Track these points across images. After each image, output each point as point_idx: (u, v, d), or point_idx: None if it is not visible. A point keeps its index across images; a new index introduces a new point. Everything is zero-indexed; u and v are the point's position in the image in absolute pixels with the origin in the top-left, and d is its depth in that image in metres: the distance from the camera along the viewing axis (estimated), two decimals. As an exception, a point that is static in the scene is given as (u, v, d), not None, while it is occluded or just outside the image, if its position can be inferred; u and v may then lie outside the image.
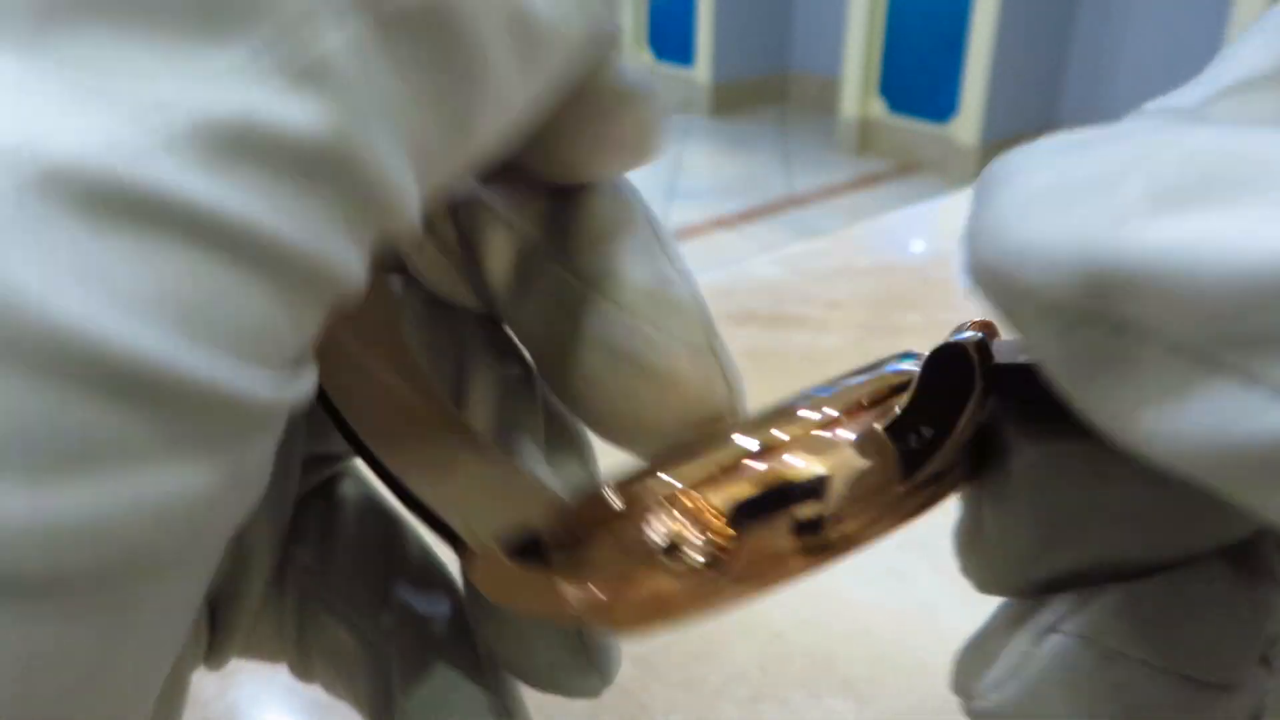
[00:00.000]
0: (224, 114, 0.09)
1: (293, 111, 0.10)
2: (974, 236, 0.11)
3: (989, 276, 0.11)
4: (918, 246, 0.59)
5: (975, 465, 0.14)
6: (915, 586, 0.32)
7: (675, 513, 0.13)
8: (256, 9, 0.10)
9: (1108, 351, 0.10)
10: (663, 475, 0.14)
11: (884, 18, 2.80)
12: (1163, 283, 0.09)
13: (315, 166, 0.10)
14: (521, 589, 0.14)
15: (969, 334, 0.14)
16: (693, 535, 0.13)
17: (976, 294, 0.11)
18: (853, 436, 0.13)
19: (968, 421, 0.14)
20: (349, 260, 0.10)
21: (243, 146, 0.09)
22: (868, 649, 0.30)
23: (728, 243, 2.42)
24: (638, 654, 0.29)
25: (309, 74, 0.10)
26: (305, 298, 0.10)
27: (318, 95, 0.10)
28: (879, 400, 0.14)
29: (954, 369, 0.14)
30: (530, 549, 0.14)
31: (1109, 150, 0.10)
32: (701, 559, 0.13)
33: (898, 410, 0.14)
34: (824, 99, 3.05)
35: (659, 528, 0.13)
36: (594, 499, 0.14)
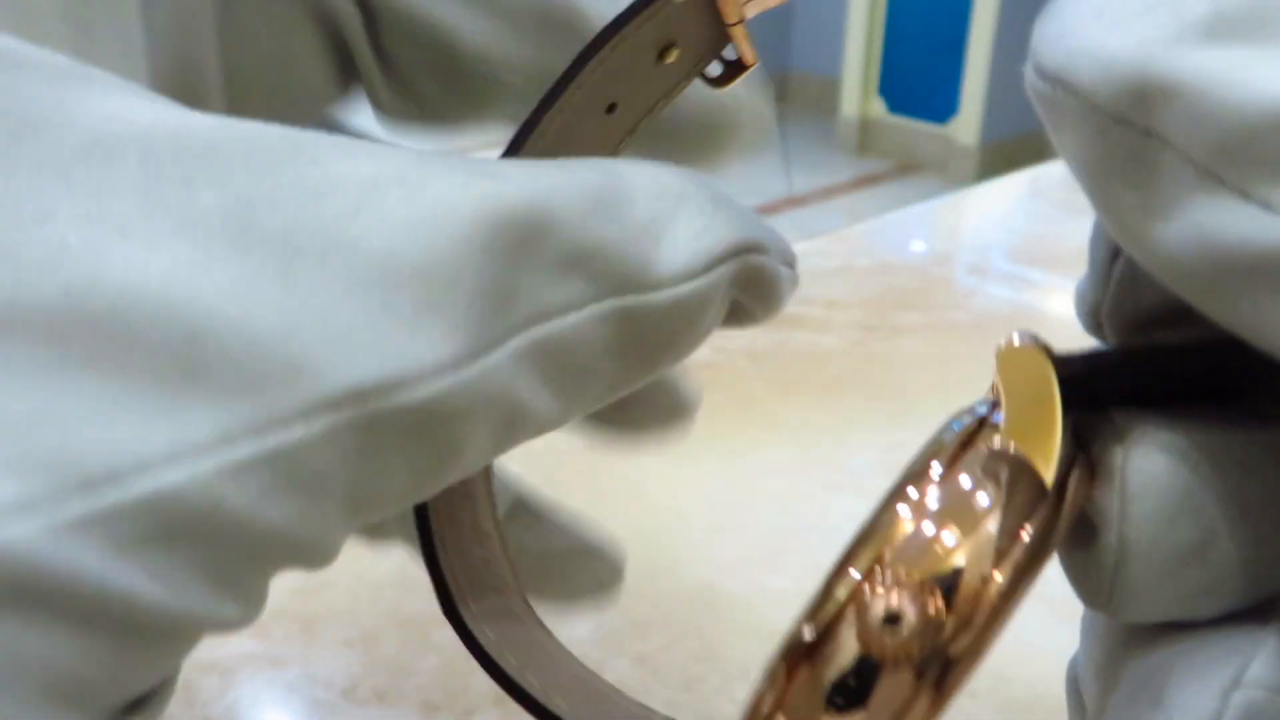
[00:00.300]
0: (167, 490, 0.09)
1: (231, 496, 0.10)
2: (1041, 41, 0.12)
3: (1051, 77, 0.12)
4: (918, 246, 0.59)
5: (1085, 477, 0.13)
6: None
7: (874, 591, 0.12)
8: (241, 384, 0.10)
9: (1134, 152, 0.11)
10: (841, 580, 0.12)
11: (884, 18, 2.79)
12: (1190, 99, 0.11)
13: (194, 532, 0.10)
14: None
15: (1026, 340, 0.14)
16: (902, 599, 0.12)
17: (1035, 97, 0.12)
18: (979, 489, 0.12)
19: (1065, 423, 0.13)
20: (213, 608, 0.10)
21: (158, 524, 0.09)
22: (868, 649, 0.29)
23: (728, 243, 2.41)
24: (637, 654, 0.30)
25: (267, 463, 0.10)
26: (137, 647, 0.10)
27: (271, 484, 0.10)
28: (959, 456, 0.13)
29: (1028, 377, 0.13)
30: None
31: None
32: (917, 614, 0.12)
33: (995, 442, 0.13)
34: (824, 99, 3.05)
35: (868, 613, 0.12)
36: (788, 645, 0.12)
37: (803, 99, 3.23)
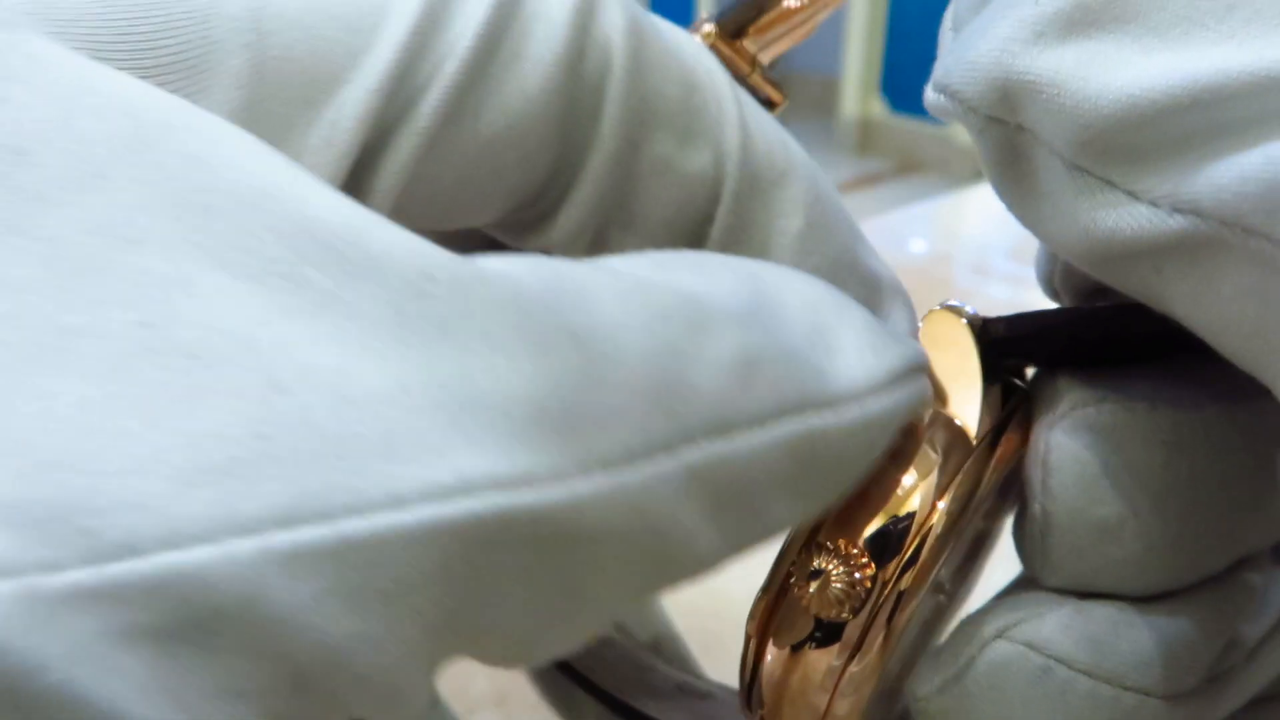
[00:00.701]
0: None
1: (275, 590, 0.08)
2: (938, 60, 0.13)
3: (939, 86, 0.12)
4: (918, 246, 0.59)
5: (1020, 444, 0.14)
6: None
7: (819, 557, 0.14)
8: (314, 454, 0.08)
9: (1013, 148, 0.12)
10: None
11: (884, 18, 2.79)
12: (1049, 96, 0.11)
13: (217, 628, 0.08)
14: None
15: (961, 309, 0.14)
16: (837, 570, 0.13)
17: (931, 109, 0.13)
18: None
19: (991, 393, 0.14)
20: None
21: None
22: (868, 649, 0.29)
23: (728, 243, 2.41)
24: (638, 654, 0.29)
25: (332, 556, 0.08)
26: None
27: (333, 586, 0.08)
28: None
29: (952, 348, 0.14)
30: None
31: None
32: (841, 588, 0.13)
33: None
34: (824, 99, 3.05)
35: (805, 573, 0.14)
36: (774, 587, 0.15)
37: (803, 99, 3.23)
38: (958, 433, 0.13)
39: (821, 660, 0.14)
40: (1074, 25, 0.11)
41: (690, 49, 0.14)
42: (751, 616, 0.15)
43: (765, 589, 0.15)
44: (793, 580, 0.14)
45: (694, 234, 0.14)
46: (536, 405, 0.09)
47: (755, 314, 0.11)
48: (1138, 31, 0.11)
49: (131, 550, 0.07)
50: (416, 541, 0.08)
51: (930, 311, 0.15)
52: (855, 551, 0.13)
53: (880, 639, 0.13)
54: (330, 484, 0.08)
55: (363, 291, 0.08)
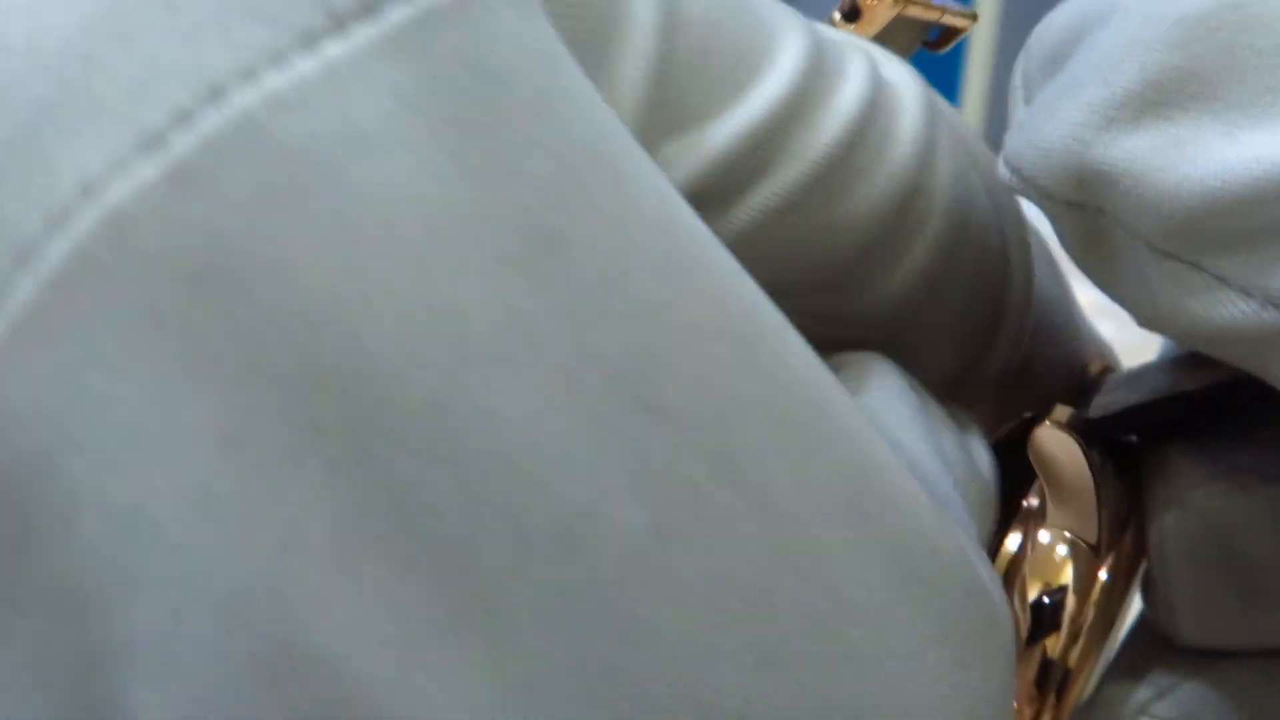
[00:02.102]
0: None
1: None
2: (1009, 130, 0.13)
3: (1010, 166, 0.12)
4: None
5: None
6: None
7: None
8: None
9: (1095, 230, 0.12)
10: None
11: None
12: (1128, 185, 0.11)
13: None
14: None
15: (1060, 409, 0.14)
16: None
17: (1006, 184, 0.13)
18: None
19: (1108, 491, 0.14)
20: None
21: None
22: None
23: (728, 243, 2.41)
24: None
25: None
26: None
27: None
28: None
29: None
30: None
31: (1088, 57, 0.11)
32: None
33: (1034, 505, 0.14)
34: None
35: None
36: None
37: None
38: (1083, 551, 0.14)
39: None
40: (1147, 107, 0.10)
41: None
42: None
43: None
44: None
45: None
46: None
47: None
48: (1217, 109, 0.10)
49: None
50: None
51: (1035, 432, 0.15)
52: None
53: None
54: None
55: None
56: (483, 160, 0.09)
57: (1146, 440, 0.14)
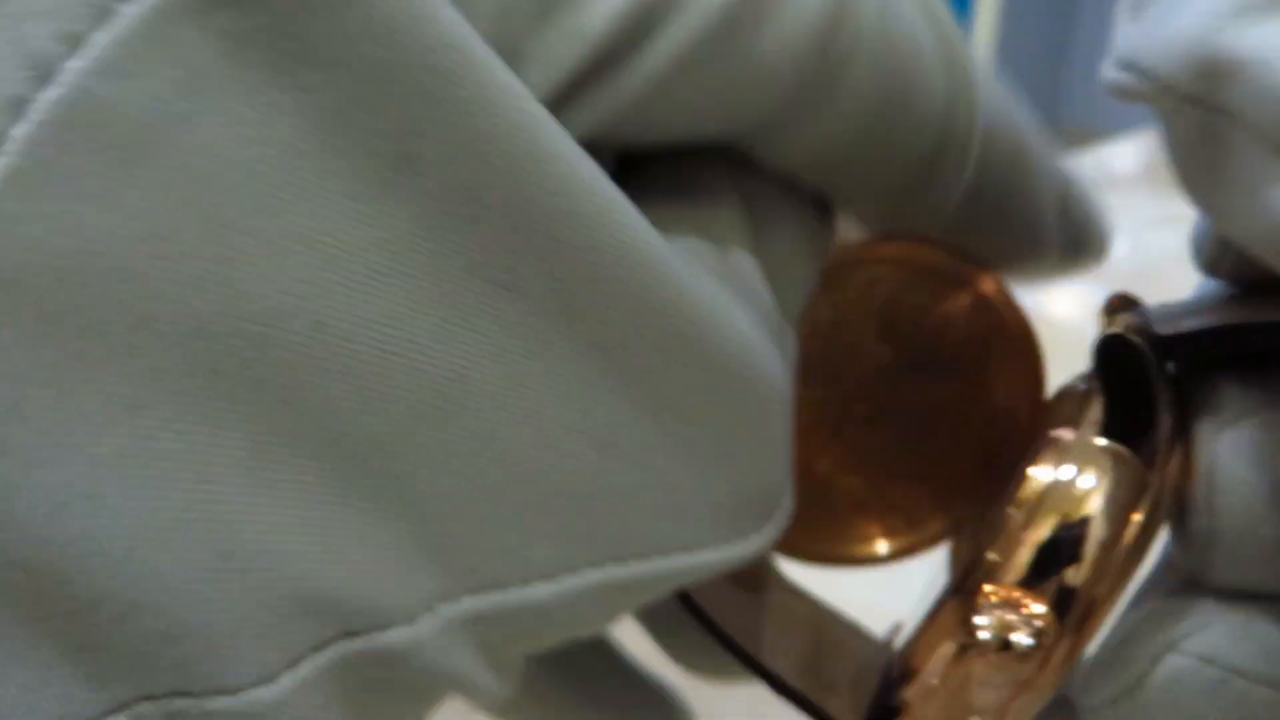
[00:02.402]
0: None
1: None
2: (1120, 34, 0.12)
3: (1125, 64, 0.12)
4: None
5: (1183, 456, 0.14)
6: (915, 588, 0.32)
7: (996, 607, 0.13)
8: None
9: (1207, 131, 0.11)
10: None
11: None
12: (1255, 74, 0.10)
13: None
14: None
15: (1123, 317, 0.14)
16: (1018, 623, 0.13)
17: (1114, 91, 0.13)
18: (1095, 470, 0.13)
19: (1167, 407, 0.13)
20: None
21: None
22: (868, 650, 0.29)
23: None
24: (638, 654, 0.29)
25: None
26: None
27: None
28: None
29: (1123, 360, 0.13)
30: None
31: None
32: (1029, 643, 0.13)
33: (1095, 422, 0.14)
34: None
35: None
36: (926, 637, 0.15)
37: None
38: (1128, 471, 0.13)
39: (998, 672, 0.13)
40: (1268, 7, 0.10)
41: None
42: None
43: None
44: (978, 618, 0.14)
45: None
46: None
47: None
48: None
49: None
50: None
51: (1103, 337, 0.15)
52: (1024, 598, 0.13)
53: (1066, 652, 0.13)
54: None
55: None
56: (332, 93, 0.09)
57: (1195, 369, 0.14)
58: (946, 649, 0.14)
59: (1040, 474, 0.14)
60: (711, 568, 0.13)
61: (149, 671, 0.09)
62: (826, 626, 0.18)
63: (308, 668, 0.10)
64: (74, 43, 0.08)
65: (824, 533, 0.17)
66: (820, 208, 0.16)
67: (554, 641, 0.12)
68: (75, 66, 0.08)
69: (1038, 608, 0.13)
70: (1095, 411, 0.14)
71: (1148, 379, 0.13)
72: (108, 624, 0.09)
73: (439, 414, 0.10)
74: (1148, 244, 0.63)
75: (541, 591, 0.11)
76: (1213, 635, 0.13)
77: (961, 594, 0.14)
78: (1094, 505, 0.13)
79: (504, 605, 0.11)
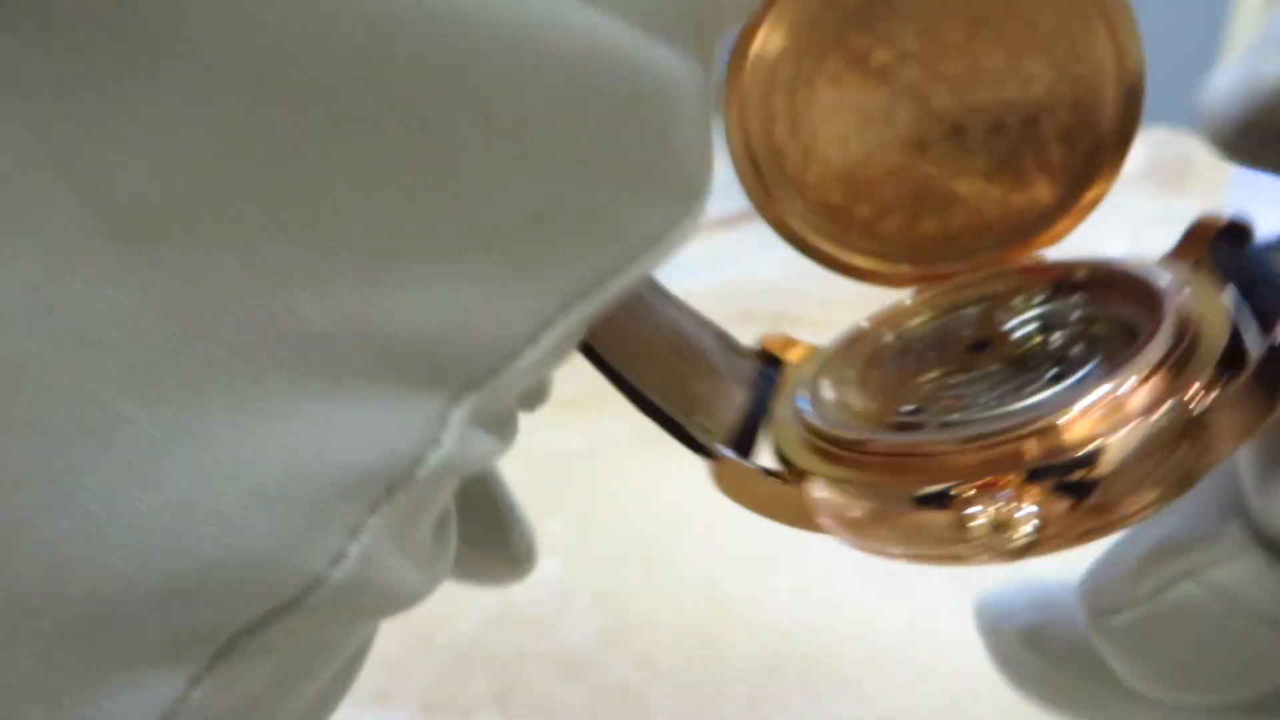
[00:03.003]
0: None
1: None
2: (1202, 101, 0.14)
3: (1204, 116, 0.14)
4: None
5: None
6: (915, 587, 0.32)
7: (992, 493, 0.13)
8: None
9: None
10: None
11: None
12: None
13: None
14: (763, 496, 0.14)
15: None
16: (1017, 515, 0.12)
17: (1206, 137, 0.14)
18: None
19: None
20: None
21: None
22: (868, 649, 0.30)
23: (728, 243, 2.41)
24: (638, 654, 0.30)
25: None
26: None
27: None
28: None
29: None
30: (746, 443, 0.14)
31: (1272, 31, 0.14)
32: (1025, 540, 0.12)
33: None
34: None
35: (979, 508, 0.12)
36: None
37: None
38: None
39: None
40: None
41: None
42: None
43: None
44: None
45: None
46: None
47: None
48: None
49: None
50: None
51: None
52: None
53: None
54: None
55: None
56: None
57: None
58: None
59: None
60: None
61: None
62: (685, 333, 0.16)
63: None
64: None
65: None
66: None
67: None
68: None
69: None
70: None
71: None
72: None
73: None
74: (1148, 243, 0.63)
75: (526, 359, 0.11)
76: (1232, 569, 0.13)
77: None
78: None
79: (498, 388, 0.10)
